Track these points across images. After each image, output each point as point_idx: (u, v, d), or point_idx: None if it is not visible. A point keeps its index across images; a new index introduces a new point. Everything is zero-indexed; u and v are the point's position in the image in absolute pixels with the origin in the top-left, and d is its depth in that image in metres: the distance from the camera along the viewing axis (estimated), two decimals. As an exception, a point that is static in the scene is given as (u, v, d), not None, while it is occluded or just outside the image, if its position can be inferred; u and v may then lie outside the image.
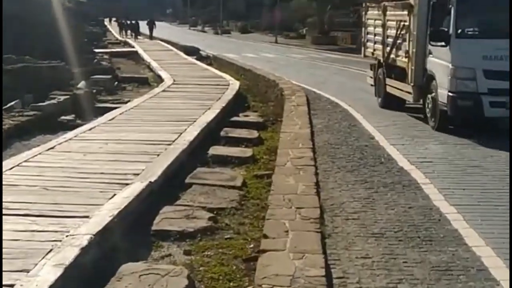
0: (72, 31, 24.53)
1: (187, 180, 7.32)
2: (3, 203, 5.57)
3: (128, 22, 52.37)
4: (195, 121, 10.67)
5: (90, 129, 9.88)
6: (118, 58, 29.06)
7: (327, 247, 4.95)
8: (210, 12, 79.23)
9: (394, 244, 5.15)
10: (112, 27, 62.62)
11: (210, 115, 11.42)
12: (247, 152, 9.07)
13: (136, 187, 6.36)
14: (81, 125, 11.11)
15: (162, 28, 61.77)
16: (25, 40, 20.83)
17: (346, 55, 32.64)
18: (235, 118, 12.19)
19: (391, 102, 12.72)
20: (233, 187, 7.11)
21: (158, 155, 7.99)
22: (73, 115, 12.51)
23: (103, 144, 8.67)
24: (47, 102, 13.29)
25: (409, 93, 11.48)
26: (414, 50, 11.01)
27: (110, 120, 10.85)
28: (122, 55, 29.85)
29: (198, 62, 25.14)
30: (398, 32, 12.00)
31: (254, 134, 10.57)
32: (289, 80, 17.51)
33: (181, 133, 9.50)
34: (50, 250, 4.54)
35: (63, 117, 12.30)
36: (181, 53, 30.30)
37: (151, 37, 47.09)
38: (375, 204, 6.28)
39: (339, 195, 6.57)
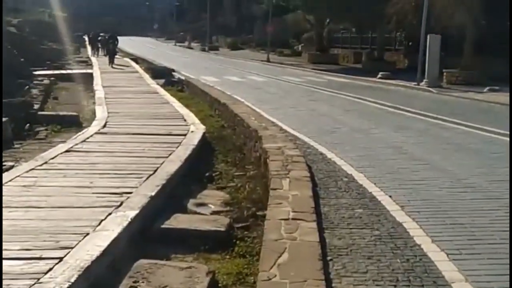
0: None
1: None
2: None
3: (106, 36, 41.92)
4: (39, 279, 4.43)
5: None
6: (66, 82, 22.99)
7: None
8: (199, 27, 73.73)
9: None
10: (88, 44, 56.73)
11: (100, 239, 5.19)
12: None
13: None
14: None
15: (144, 44, 56.14)
16: None
17: (352, 78, 26.44)
18: (169, 223, 6.13)
19: None
20: None
21: None
22: None
23: None
24: None
25: None
26: None
27: None
28: (72, 78, 23.67)
29: (161, 90, 18.93)
30: None
31: (201, 275, 4.61)
32: (279, 126, 11.38)
33: None
34: None
35: None
36: (147, 77, 24.10)
37: (110, 60, 31.40)
38: None
39: None
